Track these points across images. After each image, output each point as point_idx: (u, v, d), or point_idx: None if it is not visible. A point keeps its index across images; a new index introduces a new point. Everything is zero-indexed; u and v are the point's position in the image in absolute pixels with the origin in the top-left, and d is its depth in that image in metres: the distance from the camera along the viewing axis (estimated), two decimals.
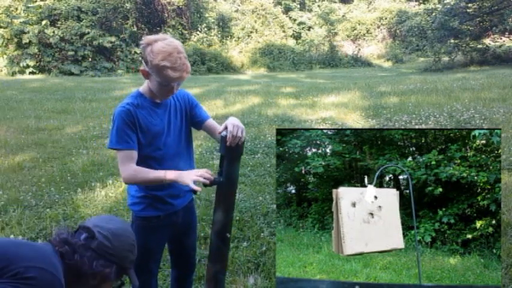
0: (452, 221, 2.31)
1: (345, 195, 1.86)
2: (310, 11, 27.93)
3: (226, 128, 1.84)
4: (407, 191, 2.01)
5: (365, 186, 1.91)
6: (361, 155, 2.56)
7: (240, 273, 3.01)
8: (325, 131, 2.89)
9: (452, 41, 18.29)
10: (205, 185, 1.85)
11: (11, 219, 3.88)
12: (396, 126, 7.11)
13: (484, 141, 2.24)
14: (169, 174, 1.89)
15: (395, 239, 1.89)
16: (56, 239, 1.38)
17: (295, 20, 26.80)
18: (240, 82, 15.64)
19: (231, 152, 1.86)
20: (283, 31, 25.46)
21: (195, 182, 1.83)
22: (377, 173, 1.96)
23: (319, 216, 2.64)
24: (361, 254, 1.86)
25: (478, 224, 2.21)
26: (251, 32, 24.47)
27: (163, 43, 1.85)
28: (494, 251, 2.16)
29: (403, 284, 2.10)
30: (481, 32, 18.76)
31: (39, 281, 1.16)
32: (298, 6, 28.00)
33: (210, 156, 5.83)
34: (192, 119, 2.13)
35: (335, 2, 28.69)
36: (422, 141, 2.49)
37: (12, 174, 5.21)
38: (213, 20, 23.70)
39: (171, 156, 2.02)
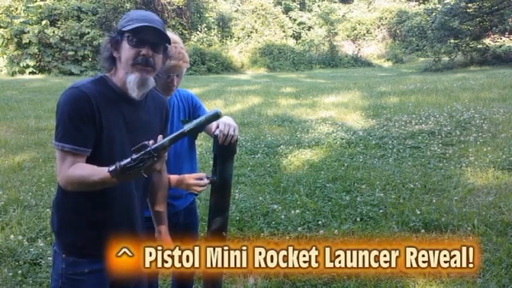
0: None
1: None
2: (310, 11, 27.90)
3: (218, 127, 1.84)
4: None
5: None
6: None
7: (240, 273, 3.01)
8: None
9: (452, 41, 18.25)
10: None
11: (11, 219, 3.88)
12: (396, 126, 7.10)
13: None
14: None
15: None
16: None
17: (295, 20, 26.77)
18: (240, 82, 15.62)
19: (223, 151, 1.85)
20: (283, 31, 25.43)
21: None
22: None
23: None
24: None
25: None
26: (251, 32, 24.43)
27: None
28: None
29: None
30: (481, 32, 18.72)
31: (65, 97, 1.51)
32: (298, 6, 27.97)
33: (210, 156, 5.81)
34: None
35: (335, 2, 28.65)
36: None
37: (12, 174, 5.21)
38: (213, 20, 23.66)
39: (173, 157, 2.02)
